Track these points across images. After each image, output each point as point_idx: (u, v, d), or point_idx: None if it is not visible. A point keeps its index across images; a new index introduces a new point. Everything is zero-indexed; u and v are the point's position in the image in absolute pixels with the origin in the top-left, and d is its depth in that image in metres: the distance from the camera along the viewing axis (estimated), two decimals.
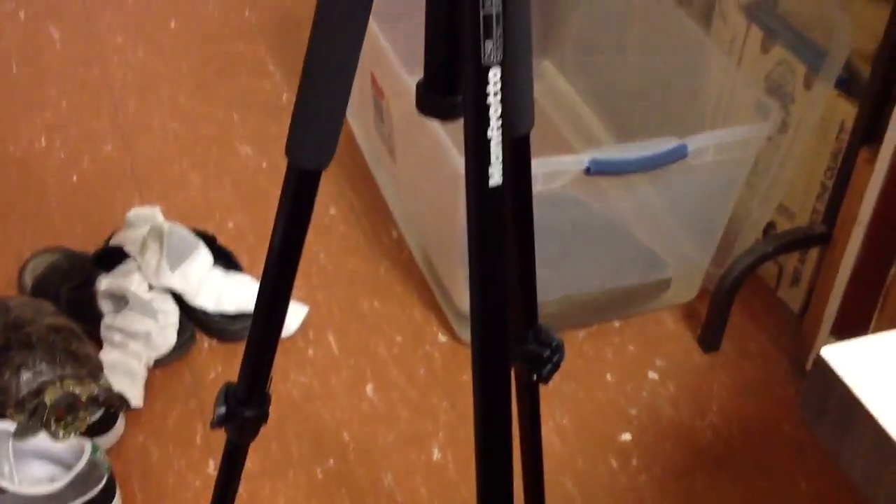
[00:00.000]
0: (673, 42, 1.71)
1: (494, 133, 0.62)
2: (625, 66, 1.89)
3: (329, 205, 1.79)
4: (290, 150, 0.72)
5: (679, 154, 1.41)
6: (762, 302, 1.67)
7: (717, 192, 1.54)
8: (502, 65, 0.61)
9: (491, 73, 0.61)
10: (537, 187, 1.37)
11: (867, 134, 1.35)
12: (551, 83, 2.07)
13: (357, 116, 1.90)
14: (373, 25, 1.58)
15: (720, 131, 1.46)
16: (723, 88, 1.59)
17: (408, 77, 1.52)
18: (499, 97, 0.61)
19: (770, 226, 1.63)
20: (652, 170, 1.43)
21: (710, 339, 1.57)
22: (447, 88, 0.69)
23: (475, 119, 0.62)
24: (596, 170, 1.39)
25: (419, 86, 0.70)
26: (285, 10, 2.29)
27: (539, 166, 1.35)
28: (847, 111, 1.41)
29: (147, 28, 2.20)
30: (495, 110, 0.61)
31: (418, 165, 1.65)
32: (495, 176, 0.63)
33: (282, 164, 0.73)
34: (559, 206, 1.48)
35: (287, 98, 2.03)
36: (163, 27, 2.21)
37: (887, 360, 0.50)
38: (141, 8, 2.26)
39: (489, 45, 0.60)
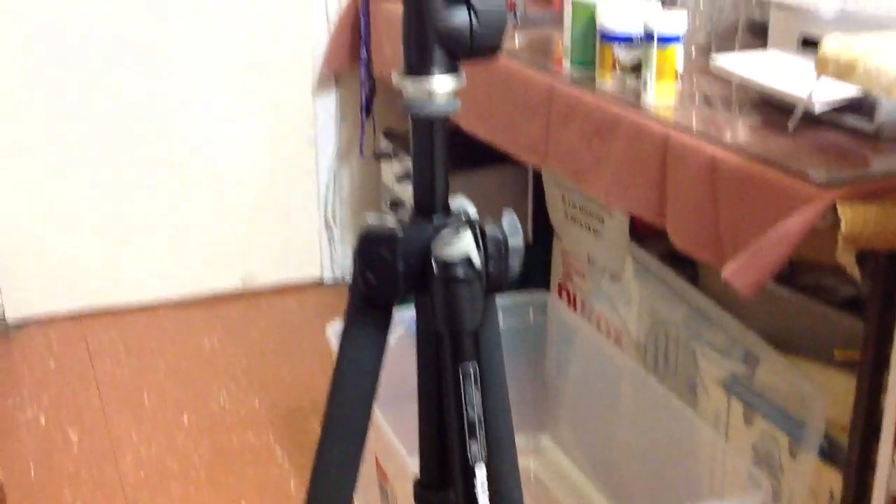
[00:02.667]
0: (661, 415, 1.80)
1: None
2: (619, 438, 1.96)
3: None
4: None
5: None
6: None
7: None
8: (487, 462, 0.68)
9: (477, 471, 0.68)
10: None
11: (855, 502, 1.39)
12: (550, 457, 2.14)
13: (362, 500, 1.94)
14: (374, 409, 1.67)
15: (713, 503, 1.50)
16: (714, 459, 1.65)
17: (410, 461, 1.58)
18: (486, 492, 0.68)
19: None
20: None
21: None
22: (441, 484, 0.76)
23: None
24: None
25: (415, 483, 0.78)
26: (293, 399, 2.40)
27: None
28: (834, 479, 1.46)
29: (161, 424, 2.30)
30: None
31: None
32: None
33: None
34: None
35: (294, 485, 2.08)
36: (176, 422, 2.31)
37: None
38: (156, 405, 2.38)
39: (474, 446, 0.68)
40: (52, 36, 2.56)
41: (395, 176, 2.66)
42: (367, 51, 2.57)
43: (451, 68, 0.74)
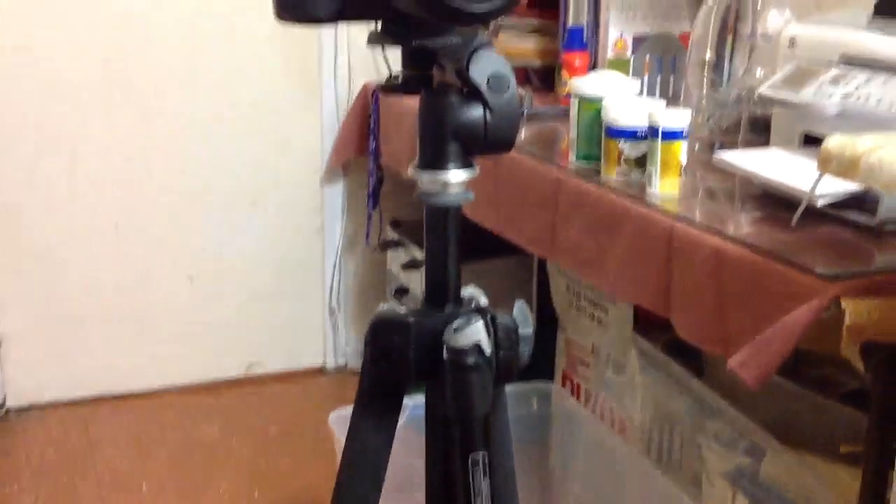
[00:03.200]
0: None
1: None
2: None
3: None
4: None
5: None
6: None
7: None
8: None
9: None
10: None
11: None
12: None
13: None
14: None
15: None
16: None
17: None
18: None
19: None
20: None
21: None
22: None
23: None
24: None
25: None
26: (293, 490, 2.38)
27: None
28: None
29: None
30: None
31: None
32: None
33: None
34: None
35: None
36: None
37: None
38: (155, 494, 2.35)
39: None
40: (57, 141, 2.62)
41: (401, 264, 2.68)
42: (375, 142, 2.62)
43: (466, 163, 0.76)
